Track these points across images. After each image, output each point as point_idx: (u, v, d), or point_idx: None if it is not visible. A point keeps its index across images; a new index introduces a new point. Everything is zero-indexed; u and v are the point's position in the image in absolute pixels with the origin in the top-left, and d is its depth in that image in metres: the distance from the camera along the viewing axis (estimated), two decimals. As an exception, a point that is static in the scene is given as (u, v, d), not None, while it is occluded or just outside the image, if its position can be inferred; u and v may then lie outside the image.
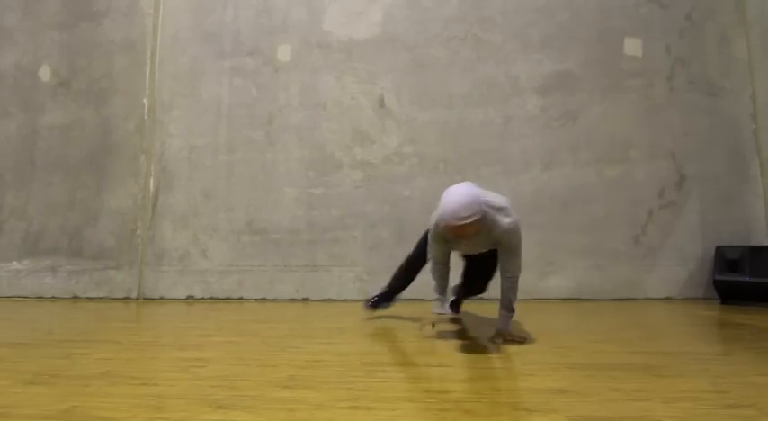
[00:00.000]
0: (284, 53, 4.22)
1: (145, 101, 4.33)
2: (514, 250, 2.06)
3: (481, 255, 2.30)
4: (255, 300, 3.96)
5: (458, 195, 1.91)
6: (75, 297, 4.16)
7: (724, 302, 3.38)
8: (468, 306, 3.37)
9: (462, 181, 3.87)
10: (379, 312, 2.77)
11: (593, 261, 3.75)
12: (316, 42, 4.19)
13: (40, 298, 4.16)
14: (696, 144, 3.82)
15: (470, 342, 2.12)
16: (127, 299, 4.08)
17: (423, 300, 2.83)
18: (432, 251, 2.22)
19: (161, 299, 4.06)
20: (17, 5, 4.62)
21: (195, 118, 4.26)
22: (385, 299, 2.72)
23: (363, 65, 4.11)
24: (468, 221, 1.85)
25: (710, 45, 3.89)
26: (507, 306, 2.13)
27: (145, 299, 4.07)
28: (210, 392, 1.33)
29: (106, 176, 4.29)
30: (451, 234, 1.97)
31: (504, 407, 1.20)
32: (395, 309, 2.82)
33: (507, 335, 2.09)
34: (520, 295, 3.73)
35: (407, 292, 2.74)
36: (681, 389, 1.33)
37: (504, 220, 2.01)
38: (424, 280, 2.39)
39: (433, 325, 2.26)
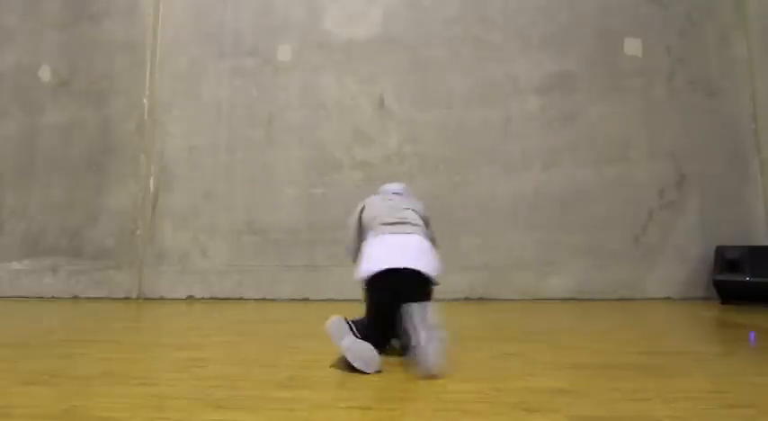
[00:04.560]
0: (284, 53, 4.22)
1: (145, 101, 4.33)
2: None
3: None
4: (255, 300, 3.96)
5: None
6: (76, 297, 4.16)
7: (724, 302, 3.38)
8: (469, 306, 3.38)
9: (462, 181, 3.90)
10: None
11: (593, 261, 3.75)
12: (316, 42, 4.19)
13: (40, 298, 4.16)
14: (696, 144, 3.81)
15: (469, 342, 2.12)
16: (127, 299, 4.08)
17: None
18: None
19: (161, 299, 4.06)
20: (17, 5, 4.62)
21: (195, 118, 4.26)
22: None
23: (363, 65, 4.11)
24: None
25: (710, 45, 3.89)
26: None
27: (145, 299, 4.07)
28: (210, 392, 1.33)
29: (106, 176, 4.29)
30: None
31: (504, 407, 1.19)
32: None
33: None
34: (520, 295, 3.76)
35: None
36: (681, 389, 1.33)
37: None
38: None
39: None
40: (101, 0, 4.50)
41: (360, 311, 2.58)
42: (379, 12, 4.15)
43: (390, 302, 1.72)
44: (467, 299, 3.74)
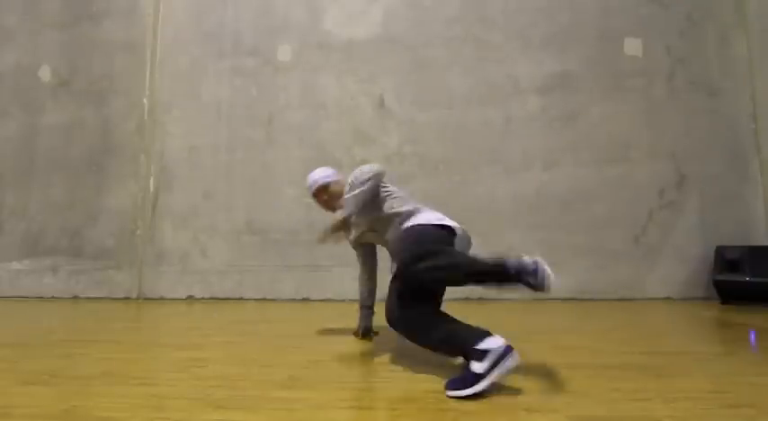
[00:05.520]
0: (284, 53, 4.22)
1: (145, 101, 4.33)
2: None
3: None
4: (255, 300, 3.96)
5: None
6: (76, 297, 4.16)
7: (724, 302, 3.38)
8: (470, 306, 3.37)
9: (462, 181, 3.90)
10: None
11: (593, 261, 3.75)
12: (316, 42, 4.19)
13: (40, 298, 4.16)
14: (696, 144, 3.81)
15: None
16: (127, 299, 4.08)
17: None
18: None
19: (161, 299, 4.05)
20: (17, 5, 4.62)
21: (195, 118, 4.26)
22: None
23: (363, 65, 4.11)
24: (316, 186, 2.12)
25: (710, 45, 3.89)
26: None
27: (145, 299, 4.07)
28: (210, 392, 1.32)
29: (106, 176, 4.29)
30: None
31: (504, 407, 1.19)
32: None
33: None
34: (520, 295, 3.75)
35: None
36: (681, 389, 1.33)
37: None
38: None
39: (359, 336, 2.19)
40: (101, 0, 4.50)
41: (357, 312, 2.55)
42: (379, 12, 4.15)
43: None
44: (467, 299, 3.74)
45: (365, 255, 2.24)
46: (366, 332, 2.19)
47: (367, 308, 2.23)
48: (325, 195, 2.12)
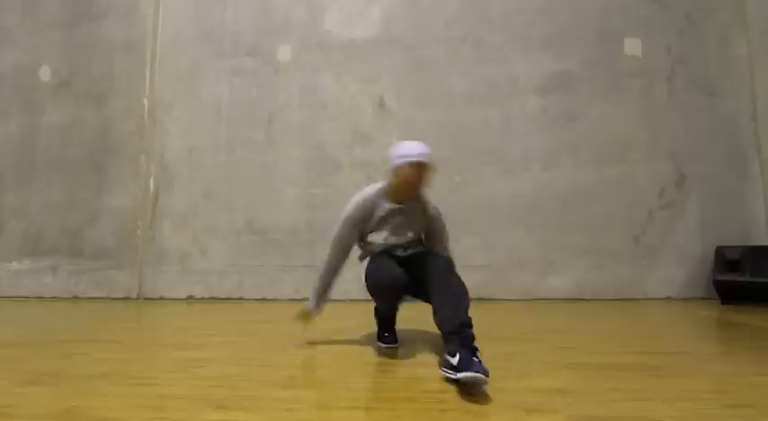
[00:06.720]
0: (284, 53, 4.22)
1: (145, 101, 4.33)
2: (444, 228, 2.12)
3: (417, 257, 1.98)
4: (255, 300, 3.96)
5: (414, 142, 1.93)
6: (76, 297, 4.16)
7: (724, 302, 3.38)
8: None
9: (462, 181, 3.90)
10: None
11: (593, 261, 3.75)
12: (316, 42, 4.19)
13: (40, 298, 4.16)
14: (696, 144, 3.81)
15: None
16: (127, 299, 4.08)
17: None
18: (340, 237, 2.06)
19: (161, 299, 4.05)
20: (17, 6, 4.62)
21: (195, 118, 4.26)
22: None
23: (363, 65, 4.11)
24: (430, 162, 1.90)
25: (710, 45, 3.89)
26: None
27: (145, 299, 4.07)
28: (210, 392, 1.32)
29: (106, 176, 4.29)
30: (412, 178, 1.87)
31: (504, 407, 1.19)
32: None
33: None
34: (520, 295, 3.75)
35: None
36: (681, 389, 1.33)
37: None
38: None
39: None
40: (101, 0, 4.50)
41: (358, 312, 2.55)
42: (379, 12, 4.15)
43: None
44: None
45: (344, 254, 2.11)
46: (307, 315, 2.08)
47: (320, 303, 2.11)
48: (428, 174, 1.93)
